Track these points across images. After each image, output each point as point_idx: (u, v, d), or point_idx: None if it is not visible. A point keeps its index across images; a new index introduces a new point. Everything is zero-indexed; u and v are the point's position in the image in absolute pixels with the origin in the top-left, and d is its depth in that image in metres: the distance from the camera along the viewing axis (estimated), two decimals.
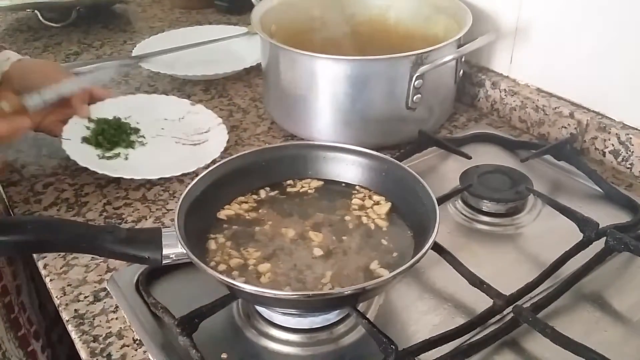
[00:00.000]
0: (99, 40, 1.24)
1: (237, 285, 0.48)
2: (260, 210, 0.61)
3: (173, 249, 0.52)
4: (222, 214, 0.59)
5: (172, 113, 0.87)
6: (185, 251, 0.50)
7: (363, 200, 0.62)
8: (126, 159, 0.78)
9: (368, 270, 0.53)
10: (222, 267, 0.54)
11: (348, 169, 0.64)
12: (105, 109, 0.83)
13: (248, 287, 0.48)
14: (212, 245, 0.56)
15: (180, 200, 0.55)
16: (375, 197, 0.62)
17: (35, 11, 1.28)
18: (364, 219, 0.59)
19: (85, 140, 0.79)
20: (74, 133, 0.78)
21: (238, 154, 0.62)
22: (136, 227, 0.70)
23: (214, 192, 0.59)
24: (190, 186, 0.57)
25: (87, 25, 1.31)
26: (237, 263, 0.54)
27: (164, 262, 0.52)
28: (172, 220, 0.53)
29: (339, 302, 0.52)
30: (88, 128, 0.80)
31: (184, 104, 0.89)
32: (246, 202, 0.61)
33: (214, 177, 0.59)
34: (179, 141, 0.83)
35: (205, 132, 0.84)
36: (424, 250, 0.50)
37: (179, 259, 0.53)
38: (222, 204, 0.61)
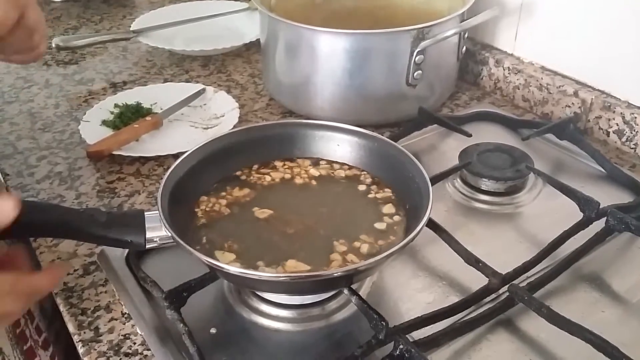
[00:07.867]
0: (98, 14, 1.23)
1: (223, 268, 0.47)
2: (247, 193, 0.59)
3: (157, 232, 0.50)
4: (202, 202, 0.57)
5: (196, 100, 0.88)
6: (170, 234, 0.48)
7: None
8: (137, 140, 0.78)
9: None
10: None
11: (338, 147, 0.62)
12: (132, 95, 0.87)
13: (233, 270, 0.46)
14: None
15: (163, 181, 0.53)
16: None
17: None
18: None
19: (104, 122, 0.82)
20: (96, 116, 0.82)
21: (223, 133, 0.61)
22: (129, 201, 0.69)
23: (198, 173, 0.57)
24: (172, 167, 0.55)
25: None
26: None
27: (147, 245, 0.50)
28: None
29: (329, 284, 0.50)
30: (112, 113, 0.83)
31: (209, 91, 0.90)
32: (233, 184, 0.59)
33: (197, 157, 0.58)
34: (193, 125, 0.84)
35: (221, 116, 0.84)
36: (418, 228, 0.49)
37: (163, 243, 0.50)
38: (207, 185, 0.59)
